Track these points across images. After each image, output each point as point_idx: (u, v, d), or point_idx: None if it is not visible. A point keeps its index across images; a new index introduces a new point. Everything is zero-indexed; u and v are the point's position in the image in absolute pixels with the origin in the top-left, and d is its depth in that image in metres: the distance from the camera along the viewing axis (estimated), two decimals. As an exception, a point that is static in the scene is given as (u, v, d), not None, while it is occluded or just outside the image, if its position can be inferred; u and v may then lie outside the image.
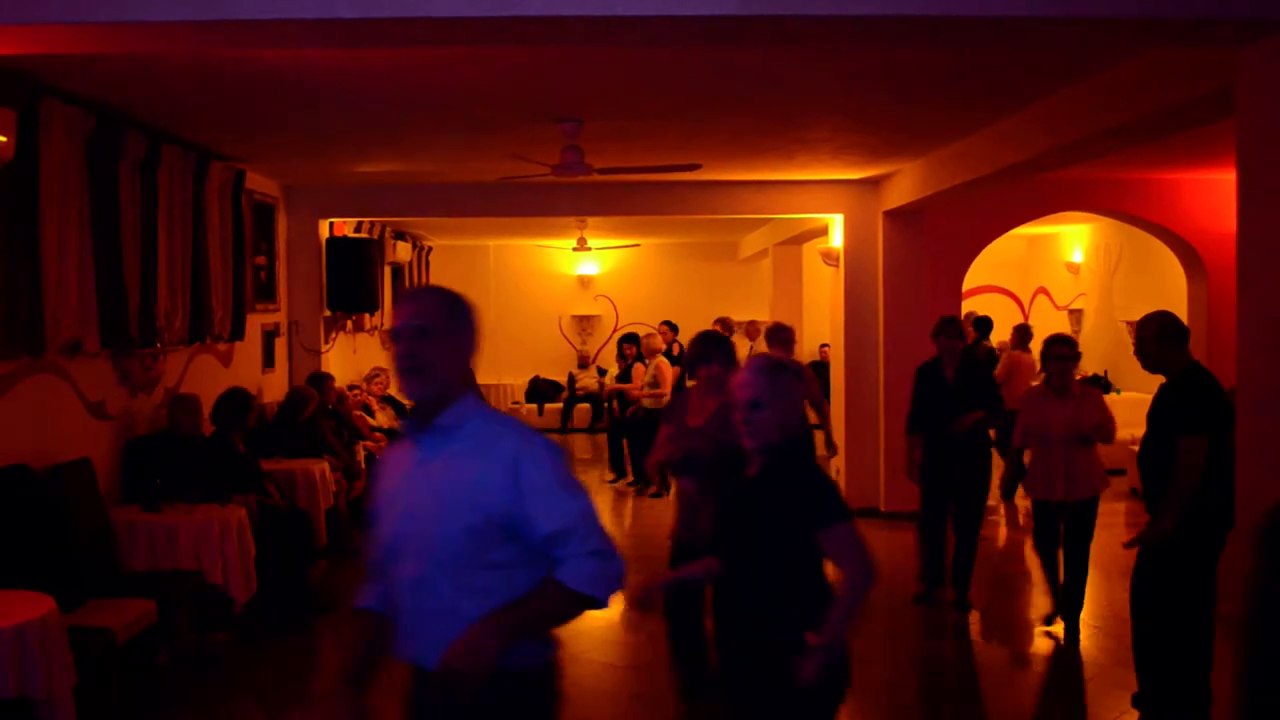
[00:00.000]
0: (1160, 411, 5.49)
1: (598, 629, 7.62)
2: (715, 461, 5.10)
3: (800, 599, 3.54)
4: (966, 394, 7.60)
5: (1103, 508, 11.44)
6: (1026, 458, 7.15)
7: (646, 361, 12.77)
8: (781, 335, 8.86)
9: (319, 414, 9.55)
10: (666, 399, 12.39)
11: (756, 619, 3.61)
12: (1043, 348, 7.24)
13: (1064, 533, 6.99)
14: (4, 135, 5.30)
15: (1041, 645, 7.03)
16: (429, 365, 2.74)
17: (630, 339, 14.14)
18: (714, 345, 5.58)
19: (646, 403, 12.42)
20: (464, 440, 2.76)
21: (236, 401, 7.82)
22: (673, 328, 14.17)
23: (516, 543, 2.71)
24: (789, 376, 3.67)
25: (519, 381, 18.59)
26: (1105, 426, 6.78)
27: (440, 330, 2.75)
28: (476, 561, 2.70)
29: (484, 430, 2.77)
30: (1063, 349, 7.02)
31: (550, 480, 2.72)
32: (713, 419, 5.30)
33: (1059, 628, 7.04)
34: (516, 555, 2.72)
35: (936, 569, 7.84)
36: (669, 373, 12.54)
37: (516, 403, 18.38)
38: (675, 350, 13.84)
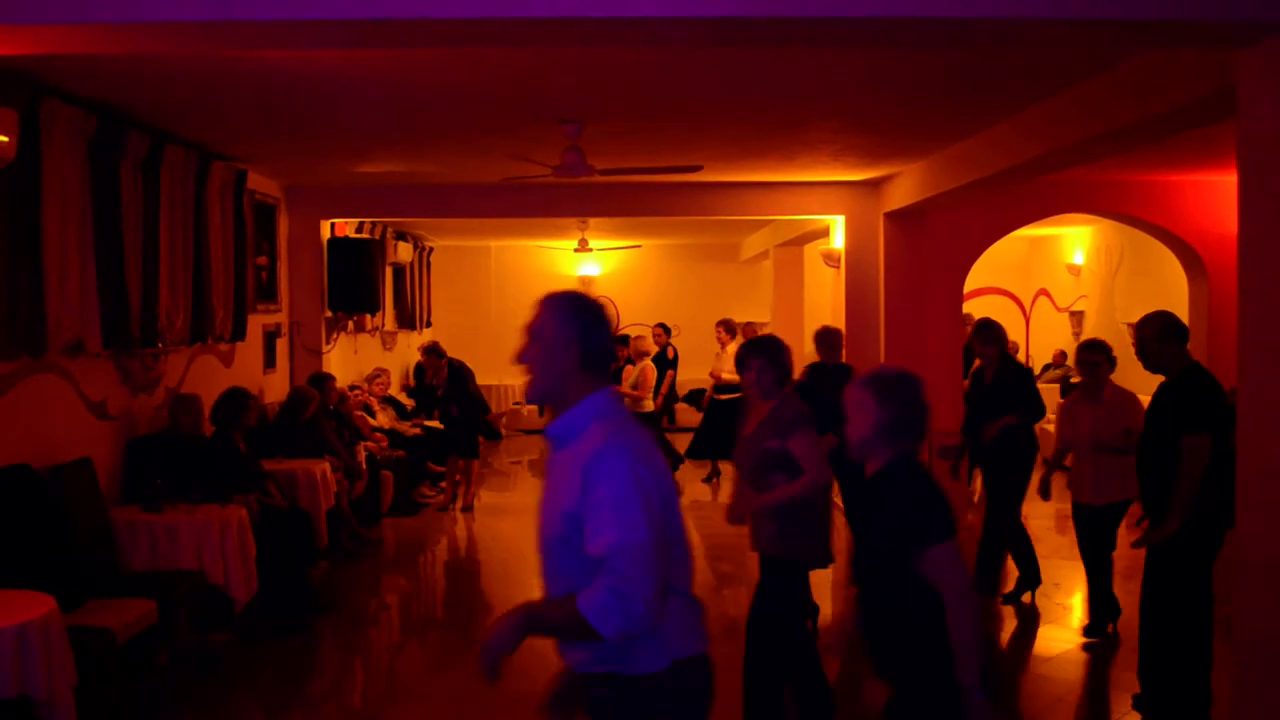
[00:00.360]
0: (1160, 412, 5.49)
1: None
2: (758, 468, 5.10)
3: (906, 624, 3.38)
4: (1002, 397, 7.57)
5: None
6: (1069, 459, 7.19)
7: (635, 364, 12.76)
8: (829, 339, 8.82)
9: (320, 414, 9.56)
10: (646, 403, 12.42)
11: (871, 644, 3.52)
12: (1076, 352, 7.25)
13: (1087, 536, 6.98)
14: (6, 135, 5.31)
15: (1046, 646, 7.02)
16: (531, 371, 2.88)
17: (623, 341, 14.17)
18: (754, 350, 5.37)
19: (627, 404, 12.40)
20: (570, 448, 2.82)
21: (235, 401, 7.83)
22: (666, 330, 14.17)
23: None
24: (900, 386, 3.48)
25: (519, 382, 18.54)
26: (1133, 435, 6.37)
27: (541, 336, 2.85)
28: (574, 566, 2.75)
29: (586, 438, 2.79)
30: (1091, 354, 7.02)
31: (608, 501, 2.68)
32: (759, 428, 5.22)
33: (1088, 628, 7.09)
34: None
35: (1030, 568, 7.90)
36: (651, 376, 12.53)
37: (518, 403, 18.38)
38: (670, 353, 13.82)
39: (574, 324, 2.86)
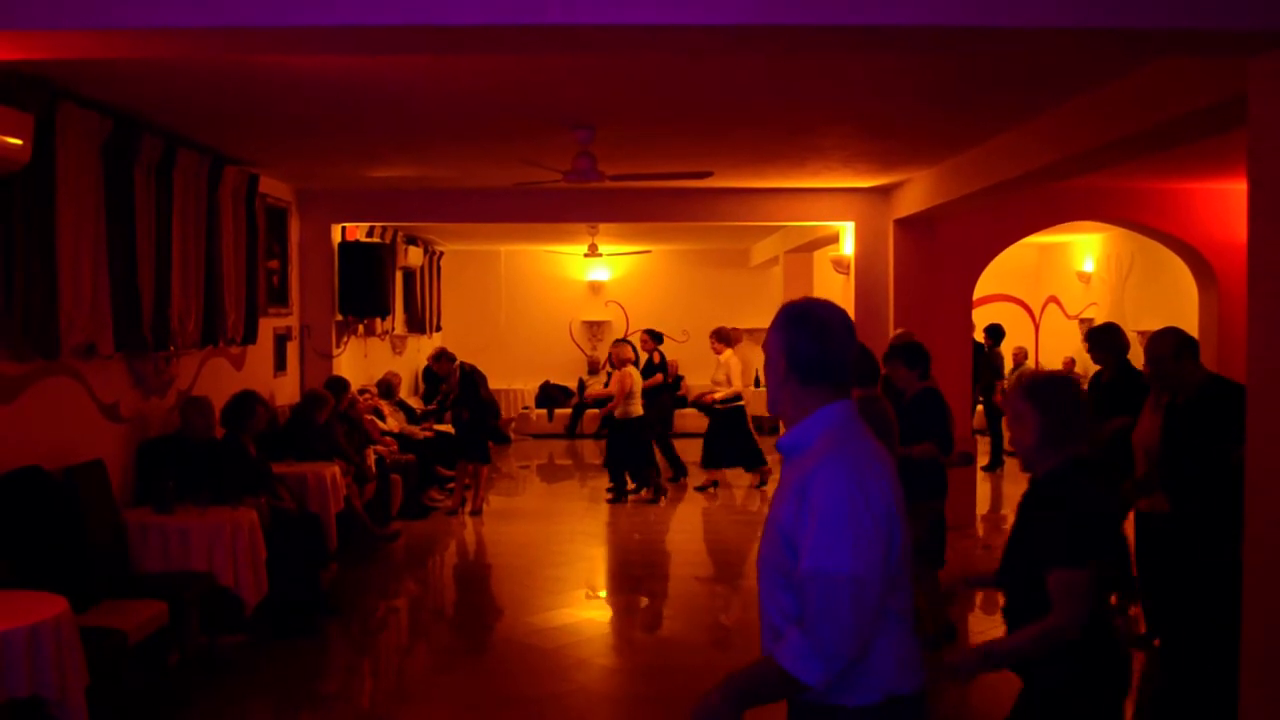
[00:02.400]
0: (1194, 423, 5.38)
1: (600, 634, 7.64)
2: None
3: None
4: (1119, 401, 7.09)
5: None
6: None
7: (616, 370, 12.78)
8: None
9: (332, 418, 9.60)
10: (619, 408, 12.43)
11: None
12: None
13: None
14: (21, 139, 5.34)
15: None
16: (768, 385, 2.80)
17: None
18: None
19: (617, 412, 12.46)
20: (797, 461, 2.67)
21: (246, 404, 7.86)
22: (655, 337, 14.15)
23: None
24: (1057, 391, 3.45)
25: (530, 386, 18.62)
26: None
27: (765, 348, 2.78)
28: (782, 585, 2.60)
29: (811, 452, 2.64)
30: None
31: (819, 522, 2.50)
32: None
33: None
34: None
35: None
36: (630, 383, 12.51)
37: (526, 407, 18.42)
38: (657, 359, 13.81)
39: (781, 334, 2.74)
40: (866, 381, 5.40)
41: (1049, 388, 3.46)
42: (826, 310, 2.75)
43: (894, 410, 6.31)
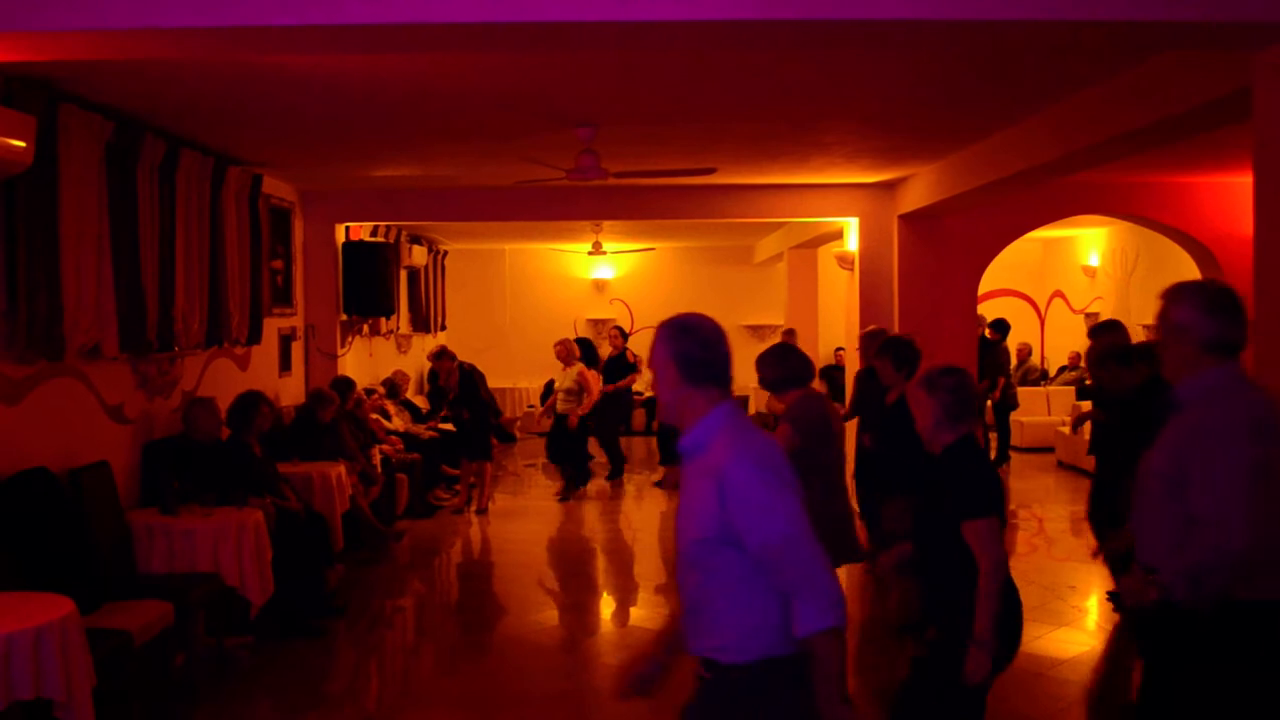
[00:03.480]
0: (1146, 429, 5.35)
1: (607, 633, 7.64)
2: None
3: (952, 593, 3.84)
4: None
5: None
6: None
7: (567, 368, 12.95)
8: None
9: (338, 418, 9.60)
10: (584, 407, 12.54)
11: (925, 601, 4.04)
12: None
13: None
14: (24, 140, 5.34)
15: (1060, 649, 7.00)
16: (659, 394, 3.10)
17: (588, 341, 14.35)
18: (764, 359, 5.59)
19: (582, 410, 12.58)
20: (699, 460, 2.98)
21: (249, 405, 7.86)
22: (624, 334, 14.18)
23: (735, 549, 2.88)
24: (949, 380, 4.09)
25: (534, 385, 18.60)
26: None
27: (652, 362, 3.08)
28: (708, 568, 2.95)
29: (712, 448, 2.95)
30: None
31: (750, 496, 2.85)
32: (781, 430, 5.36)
33: None
34: (735, 561, 2.90)
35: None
36: (589, 381, 12.68)
37: (532, 406, 18.40)
38: (630, 357, 13.84)
39: (670, 345, 3.02)
40: (803, 382, 5.54)
41: (943, 378, 4.10)
42: (705, 321, 3.08)
43: (872, 405, 6.22)
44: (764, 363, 5.58)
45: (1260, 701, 3.41)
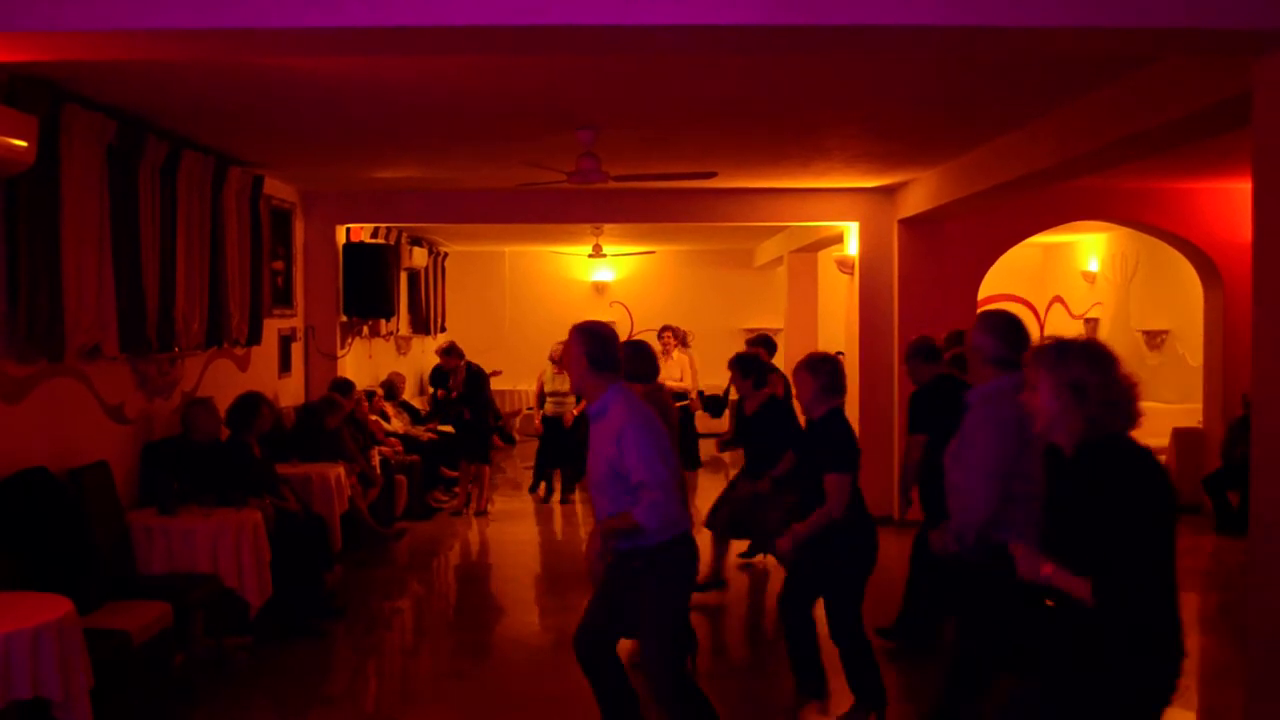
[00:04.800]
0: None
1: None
2: None
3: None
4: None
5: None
6: None
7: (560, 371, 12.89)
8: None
9: (343, 421, 9.62)
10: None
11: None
12: None
13: None
14: (26, 140, 5.34)
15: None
16: (572, 377, 4.75)
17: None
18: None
19: (578, 411, 12.49)
20: (602, 421, 4.58)
21: (249, 405, 7.86)
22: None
23: (623, 479, 4.49)
24: (824, 364, 5.46)
25: (534, 387, 18.56)
26: None
27: (573, 352, 4.64)
28: (609, 489, 4.57)
29: (610, 414, 4.55)
30: None
31: (636, 448, 4.43)
32: None
33: None
34: (623, 486, 4.50)
35: None
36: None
37: (530, 408, 18.37)
38: None
39: (582, 344, 4.61)
40: (648, 378, 6.50)
41: (822, 364, 5.45)
42: (605, 327, 4.70)
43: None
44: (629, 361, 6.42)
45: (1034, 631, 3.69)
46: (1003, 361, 4.58)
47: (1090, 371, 3.28)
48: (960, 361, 6.41)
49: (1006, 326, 4.75)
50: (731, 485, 8.35)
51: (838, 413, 5.43)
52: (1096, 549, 3.15)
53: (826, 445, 5.35)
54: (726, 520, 8.10)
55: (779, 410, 8.02)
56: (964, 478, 4.62)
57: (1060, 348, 3.39)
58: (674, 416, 6.71)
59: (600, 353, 4.54)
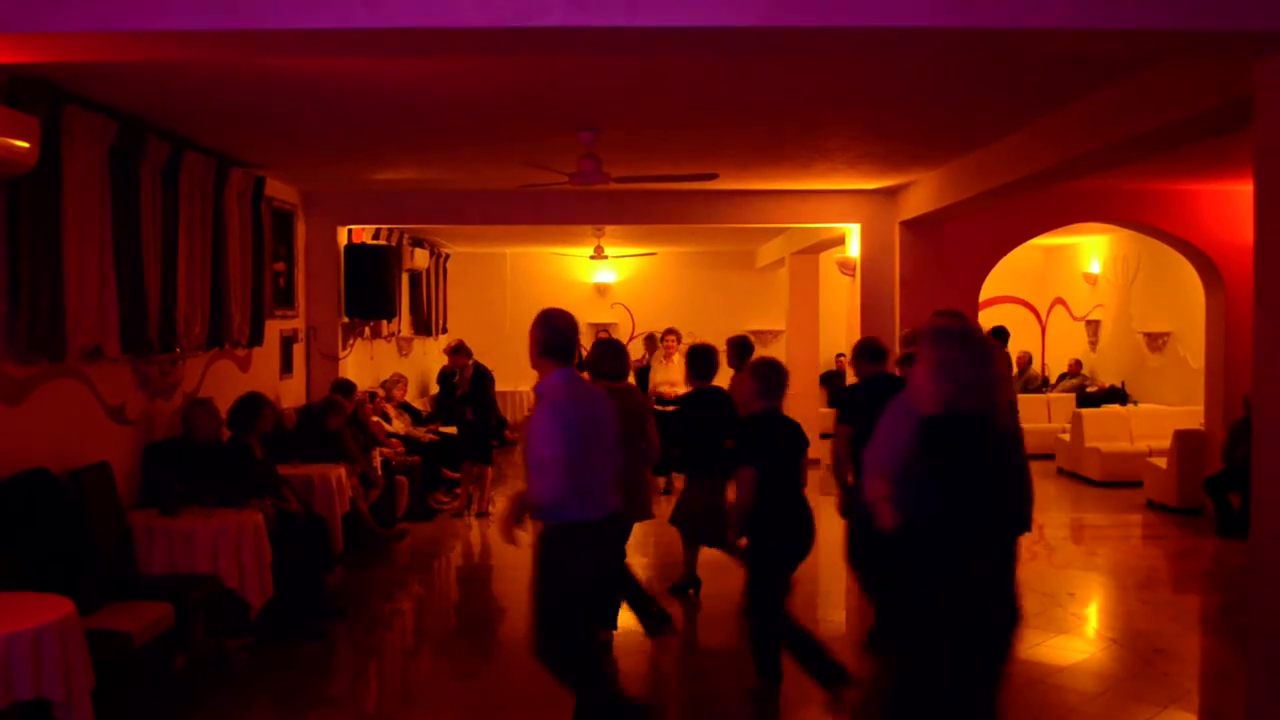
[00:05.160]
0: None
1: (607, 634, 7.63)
2: None
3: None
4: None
5: (1118, 519, 11.50)
6: None
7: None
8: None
9: (343, 422, 9.62)
10: None
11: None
12: None
13: None
14: (27, 142, 5.35)
15: (1060, 656, 7.00)
16: (530, 358, 4.93)
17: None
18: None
19: None
20: (540, 399, 4.83)
21: (250, 406, 7.86)
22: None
23: None
24: (766, 368, 6.04)
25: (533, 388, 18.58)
26: None
27: (531, 337, 4.92)
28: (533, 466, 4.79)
29: (547, 393, 4.79)
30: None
31: (539, 426, 4.70)
32: None
33: None
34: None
35: None
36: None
37: (531, 408, 18.38)
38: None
39: (536, 330, 4.89)
40: (616, 376, 6.99)
41: (760, 367, 6.02)
42: (563, 318, 4.93)
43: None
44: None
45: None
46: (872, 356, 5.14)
47: (957, 354, 3.72)
48: (911, 360, 6.51)
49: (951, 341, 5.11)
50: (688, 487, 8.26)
51: (770, 413, 5.96)
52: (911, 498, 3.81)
53: (742, 441, 5.95)
54: (685, 524, 7.99)
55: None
56: (871, 459, 4.97)
57: (938, 331, 3.88)
58: (645, 418, 7.11)
59: (552, 339, 4.83)
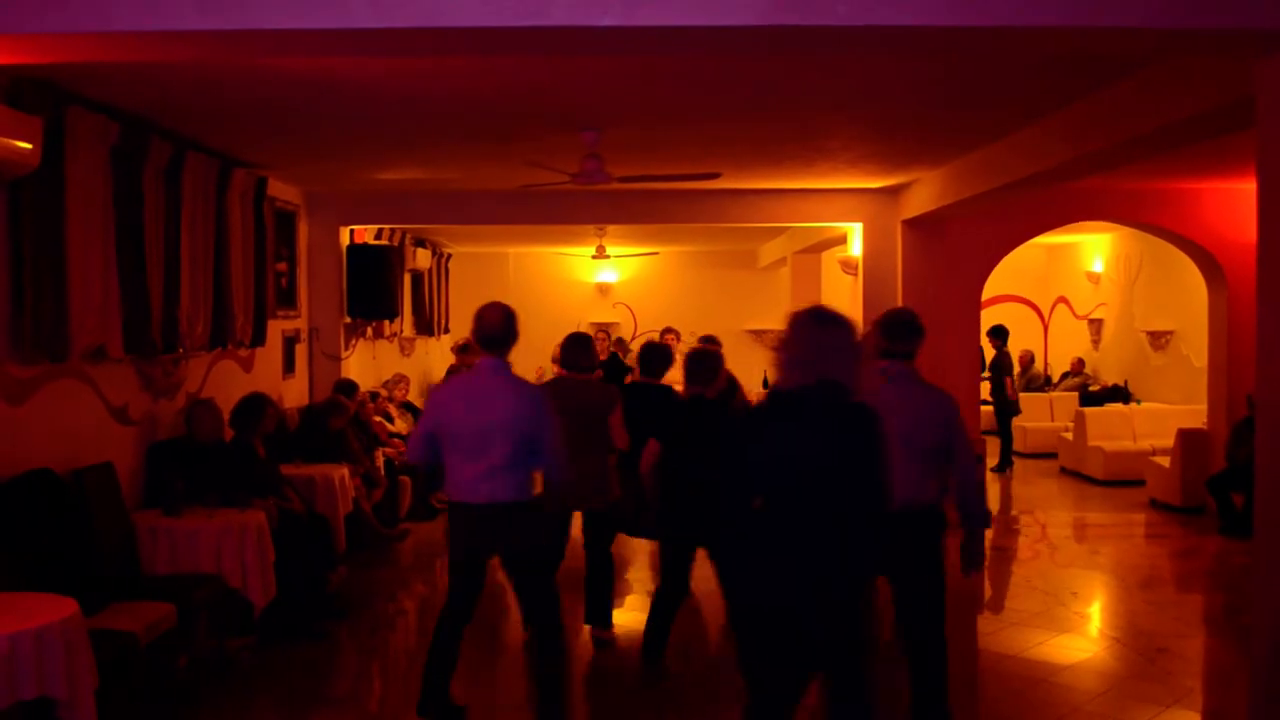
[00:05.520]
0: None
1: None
2: None
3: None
4: None
5: (1121, 518, 11.50)
6: None
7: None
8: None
9: (346, 422, 9.62)
10: None
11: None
12: None
13: None
14: (30, 142, 5.35)
15: (1062, 654, 7.00)
16: None
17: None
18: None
19: None
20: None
21: (253, 406, 7.87)
22: (622, 343, 14.28)
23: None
24: (703, 358, 6.50)
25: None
26: None
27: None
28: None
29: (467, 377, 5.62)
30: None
31: (425, 403, 5.55)
32: None
33: None
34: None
35: None
36: None
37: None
38: (631, 361, 13.89)
39: (474, 322, 5.56)
40: (581, 368, 7.20)
41: (698, 355, 6.46)
42: (488, 309, 5.57)
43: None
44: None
45: None
46: (885, 353, 5.23)
47: (792, 333, 4.02)
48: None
49: (888, 322, 5.31)
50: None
51: (697, 398, 6.42)
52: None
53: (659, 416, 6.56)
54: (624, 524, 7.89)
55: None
56: None
57: (794, 314, 4.12)
58: (608, 410, 7.18)
59: (477, 330, 5.53)
